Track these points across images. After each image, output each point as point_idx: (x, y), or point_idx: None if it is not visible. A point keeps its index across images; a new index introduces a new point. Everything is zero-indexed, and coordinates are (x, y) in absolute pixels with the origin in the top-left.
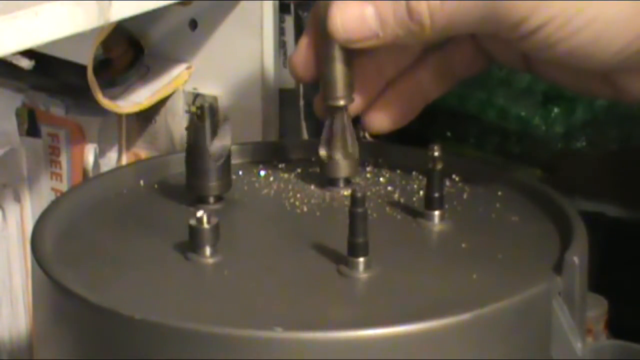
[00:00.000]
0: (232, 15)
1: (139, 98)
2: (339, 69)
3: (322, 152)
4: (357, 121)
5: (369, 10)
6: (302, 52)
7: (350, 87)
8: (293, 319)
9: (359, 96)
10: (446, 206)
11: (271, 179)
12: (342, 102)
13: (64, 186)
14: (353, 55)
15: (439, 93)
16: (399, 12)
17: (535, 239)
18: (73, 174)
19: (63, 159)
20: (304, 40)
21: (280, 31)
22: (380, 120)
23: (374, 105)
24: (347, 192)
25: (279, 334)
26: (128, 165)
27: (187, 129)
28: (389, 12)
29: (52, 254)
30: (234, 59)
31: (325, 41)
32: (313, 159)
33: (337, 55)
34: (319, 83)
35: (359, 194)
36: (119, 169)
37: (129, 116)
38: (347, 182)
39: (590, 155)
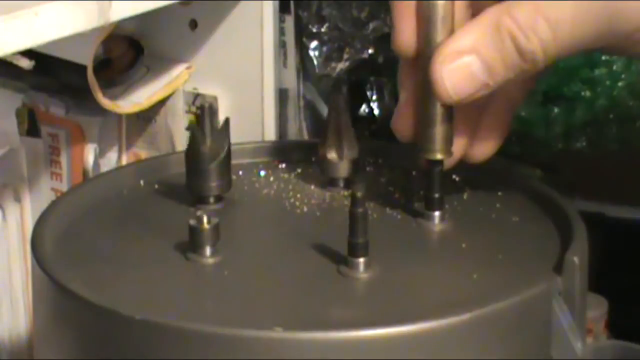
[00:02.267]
0: (232, 15)
1: (139, 98)
2: (440, 126)
3: (322, 152)
4: (356, 121)
5: (475, 61)
6: (403, 112)
7: (450, 141)
8: (293, 319)
9: (461, 135)
10: (446, 206)
11: (271, 179)
12: (439, 156)
13: (64, 186)
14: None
15: (524, 95)
16: (509, 57)
17: (535, 239)
18: (73, 174)
19: (63, 159)
20: (403, 98)
21: (280, 31)
22: (486, 149)
23: (477, 138)
24: (347, 192)
25: (279, 334)
26: (128, 165)
27: (187, 129)
28: (496, 60)
29: (52, 254)
30: (234, 59)
31: (427, 98)
32: (313, 159)
33: (440, 112)
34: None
35: (359, 194)
36: (119, 169)
37: (129, 116)
38: (347, 182)
39: (590, 155)
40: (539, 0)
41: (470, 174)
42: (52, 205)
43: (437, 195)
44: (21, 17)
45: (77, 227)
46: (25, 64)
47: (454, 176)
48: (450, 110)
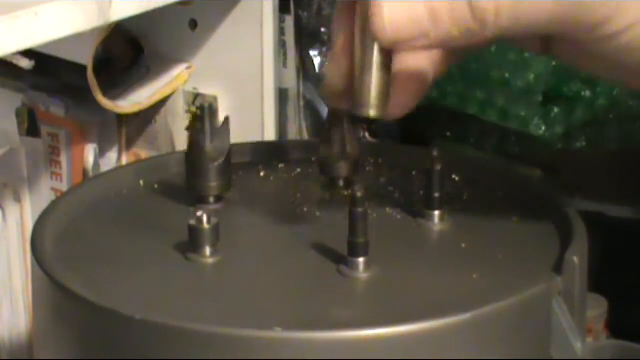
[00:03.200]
0: (232, 15)
1: (139, 98)
2: (376, 77)
3: (323, 152)
4: (357, 121)
5: (421, 5)
6: (337, 59)
7: (385, 97)
8: (293, 319)
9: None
10: (446, 206)
11: (271, 179)
12: (372, 113)
13: (64, 186)
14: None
15: (446, 67)
16: (459, 9)
17: (535, 239)
18: (73, 174)
19: (63, 159)
20: (338, 44)
21: (280, 31)
22: (400, 104)
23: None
24: (347, 192)
25: (279, 334)
26: (128, 165)
27: (187, 129)
28: (444, 8)
29: (52, 254)
30: (234, 59)
31: (363, 44)
32: (313, 159)
33: (377, 60)
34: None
35: (359, 194)
36: (119, 169)
37: (129, 116)
38: (347, 182)
39: (590, 155)
40: None
41: (470, 174)
42: (52, 205)
43: (437, 195)
44: (21, 17)
45: (77, 227)
46: (25, 64)
47: (453, 176)
48: (388, 61)
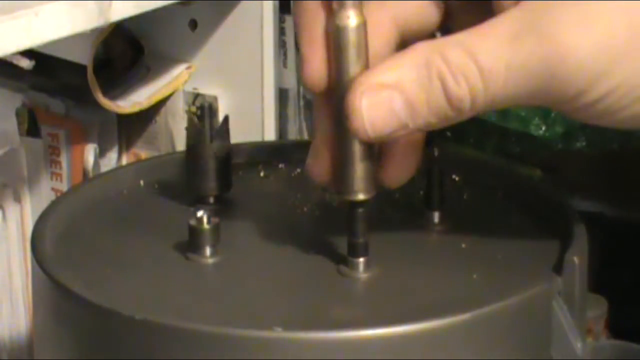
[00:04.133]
0: (232, 15)
1: (139, 98)
2: (359, 164)
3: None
4: None
5: (398, 99)
6: (318, 152)
7: (371, 179)
8: (293, 319)
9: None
10: (446, 206)
11: (271, 179)
12: (361, 197)
13: (64, 186)
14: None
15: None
16: (435, 99)
17: (535, 239)
18: (73, 174)
19: (63, 159)
20: (317, 138)
21: (280, 31)
22: (401, 173)
23: (390, 162)
24: None
25: (279, 334)
26: (128, 165)
27: (187, 129)
28: (421, 100)
29: (52, 254)
30: (234, 59)
31: (343, 137)
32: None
33: (358, 149)
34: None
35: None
36: (119, 169)
37: (129, 116)
38: None
39: (590, 155)
40: (474, 43)
41: (470, 174)
42: (52, 205)
43: (437, 195)
44: (21, 17)
45: (77, 227)
46: (25, 64)
47: (453, 176)
48: (370, 147)
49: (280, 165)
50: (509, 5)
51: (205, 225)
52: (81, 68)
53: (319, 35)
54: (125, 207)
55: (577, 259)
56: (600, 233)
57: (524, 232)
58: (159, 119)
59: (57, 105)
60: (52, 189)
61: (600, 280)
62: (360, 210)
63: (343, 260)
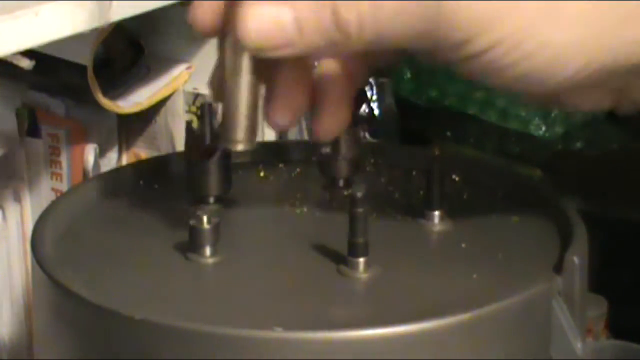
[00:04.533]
0: None
1: (139, 98)
2: (242, 114)
3: (323, 152)
4: (357, 121)
5: (287, 13)
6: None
7: (253, 133)
8: (293, 319)
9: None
10: (446, 206)
11: (271, 179)
12: (240, 147)
13: (64, 186)
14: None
15: (365, 72)
16: (323, 18)
17: (535, 239)
18: (73, 174)
19: (63, 159)
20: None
21: None
22: (331, 125)
23: (321, 114)
24: (347, 192)
25: (279, 334)
26: (128, 165)
27: (186, 135)
28: (310, 18)
29: (52, 254)
30: None
31: (233, 54)
32: (313, 159)
33: (243, 97)
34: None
35: (359, 194)
36: (119, 169)
37: (129, 116)
38: (347, 182)
39: (590, 155)
40: None
41: (470, 174)
42: (52, 205)
43: (437, 195)
44: (21, 17)
45: (77, 227)
46: (25, 64)
47: (453, 176)
48: (255, 97)
49: (280, 165)
50: None
51: (205, 225)
52: (81, 68)
53: None
54: (125, 207)
55: (577, 259)
56: (600, 233)
57: (524, 232)
58: (159, 119)
59: (57, 105)
60: (52, 189)
61: (600, 280)
62: (360, 210)
63: (343, 260)
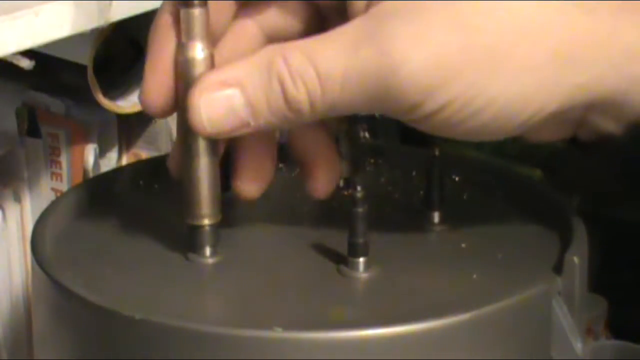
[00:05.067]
0: None
1: (139, 98)
2: (204, 188)
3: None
4: (356, 121)
5: (237, 97)
6: (174, 153)
7: (218, 205)
8: (293, 319)
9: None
10: (446, 206)
11: None
12: (206, 222)
13: (64, 186)
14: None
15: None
16: (274, 100)
17: (535, 239)
18: (73, 174)
19: (63, 159)
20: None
21: None
22: (328, 180)
23: (315, 172)
24: (347, 192)
25: (279, 334)
26: (128, 165)
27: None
28: (261, 100)
29: (52, 254)
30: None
31: (189, 137)
32: None
33: (203, 173)
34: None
35: (359, 194)
36: (119, 169)
37: (129, 116)
38: (347, 182)
39: (590, 155)
40: (315, 48)
41: (470, 174)
42: (52, 205)
43: (437, 195)
44: (21, 17)
45: (77, 227)
46: (25, 64)
47: (453, 176)
48: (215, 169)
49: (280, 165)
50: (359, 11)
51: (206, 226)
52: (81, 68)
53: (165, 60)
54: (125, 207)
55: (577, 259)
56: (600, 233)
57: (524, 232)
58: (159, 119)
59: (57, 105)
60: (52, 189)
61: (600, 280)
62: (360, 210)
63: (343, 260)
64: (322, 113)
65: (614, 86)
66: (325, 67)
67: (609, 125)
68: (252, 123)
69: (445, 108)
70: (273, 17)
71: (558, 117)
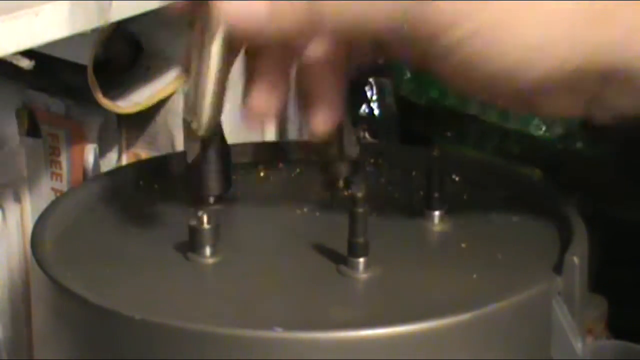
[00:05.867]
0: None
1: (139, 98)
2: (209, 99)
3: (322, 152)
4: (357, 121)
5: (261, 4)
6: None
7: (215, 121)
8: (293, 319)
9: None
10: (446, 206)
11: (271, 179)
12: (201, 132)
13: (64, 186)
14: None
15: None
16: (297, 6)
17: (535, 239)
18: (73, 174)
19: (63, 159)
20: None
21: None
22: (327, 118)
23: (316, 109)
24: (347, 192)
25: (279, 334)
26: (128, 165)
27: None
28: (284, 5)
29: (52, 254)
30: None
31: (204, 38)
32: (313, 159)
33: (211, 82)
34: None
35: (359, 194)
36: (119, 169)
37: (129, 116)
38: (347, 182)
39: (590, 155)
40: None
41: (470, 174)
42: (52, 205)
43: (437, 195)
44: (21, 17)
45: (77, 227)
46: (25, 64)
47: (453, 176)
48: (223, 84)
49: (280, 165)
50: None
51: (205, 225)
52: (81, 68)
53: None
54: (125, 207)
55: (577, 259)
56: (600, 233)
57: (524, 232)
58: (159, 119)
59: (57, 105)
60: (52, 189)
61: (600, 280)
62: (360, 210)
63: (343, 260)
64: (346, 22)
65: (637, 53)
66: None
67: (624, 103)
68: (269, 27)
69: (471, 39)
70: None
71: (575, 85)
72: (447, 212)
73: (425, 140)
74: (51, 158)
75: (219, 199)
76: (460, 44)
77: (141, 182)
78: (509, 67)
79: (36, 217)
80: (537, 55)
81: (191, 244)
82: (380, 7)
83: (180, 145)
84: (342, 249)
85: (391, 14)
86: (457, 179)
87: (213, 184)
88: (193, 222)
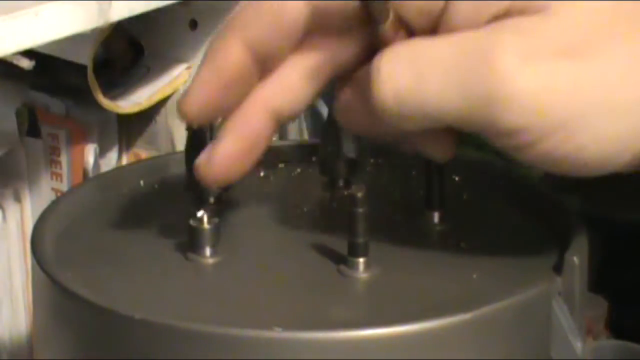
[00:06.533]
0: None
1: (139, 98)
2: None
3: (322, 152)
4: None
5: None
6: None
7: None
8: (293, 319)
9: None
10: (446, 206)
11: (271, 179)
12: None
13: (64, 186)
14: None
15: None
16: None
17: (535, 239)
18: (73, 174)
19: (63, 159)
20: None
21: None
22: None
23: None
24: (347, 192)
25: (279, 334)
26: (128, 165)
27: (187, 129)
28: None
29: (52, 254)
30: None
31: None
32: (313, 159)
33: None
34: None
35: (359, 194)
36: (119, 169)
37: (129, 116)
38: (347, 182)
39: None
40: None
41: (470, 174)
42: (52, 205)
43: (437, 195)
44: (21, 17)
45: (77, 227)
46: (25, 64)
47: (453, 176)
48: None
49: (280, 165)
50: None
51: (205, 225)
52: (81, 68)
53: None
54: (125, 207)
55: (577, 259)
56: (600, 233)
57: (524, 232)
58: (159, 119)
59: (57, 105)
60: (52, 189)
61: (600, 280)
62: (360, 210)
63: (343, 260)
64: (411, 109)
65: None
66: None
67: None
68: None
69: (547, 138)
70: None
71: None
72: (447, 212)
73: None
74: (51, 158)
75: (219, 199)
76: (537, 141)
77: (141, 182)
78: (587, 163)
79: (36, 217)
80: (616, 150)
81: (191, 244)
82: (449, 97)
83: (180, 145)
84: (342, 249)
85: (462, 106)
86: (457, 179)
87: None
88: (193, 222)
